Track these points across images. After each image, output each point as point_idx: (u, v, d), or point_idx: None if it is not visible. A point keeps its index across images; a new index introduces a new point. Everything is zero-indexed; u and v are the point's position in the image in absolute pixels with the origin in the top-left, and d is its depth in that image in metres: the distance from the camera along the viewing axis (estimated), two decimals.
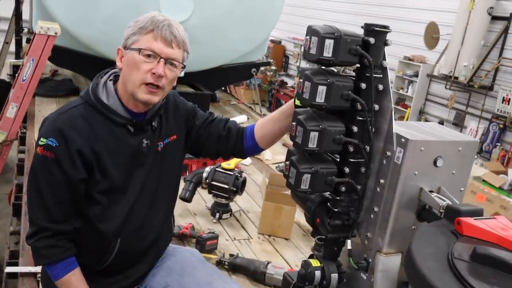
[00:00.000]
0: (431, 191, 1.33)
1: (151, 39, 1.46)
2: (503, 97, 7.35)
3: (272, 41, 12.71)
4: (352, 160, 1.37)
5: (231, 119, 1.81)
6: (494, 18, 7.53)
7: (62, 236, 1.52)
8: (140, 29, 1.47)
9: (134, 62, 1.46)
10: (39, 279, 2.08)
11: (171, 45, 1.47)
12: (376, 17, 9.09)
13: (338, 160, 1.42)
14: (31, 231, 1.52)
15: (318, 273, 1.41)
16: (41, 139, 1.46)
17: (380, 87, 1.33)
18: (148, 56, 1.46)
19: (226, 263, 2.31)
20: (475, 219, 1.20)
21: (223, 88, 6.77)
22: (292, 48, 13.01)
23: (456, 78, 7.85)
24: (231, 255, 2.38)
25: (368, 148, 1.35)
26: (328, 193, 1.45)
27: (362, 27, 1.33)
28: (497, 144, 7.56)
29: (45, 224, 1.49)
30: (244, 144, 1.73)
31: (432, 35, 8.09)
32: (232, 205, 2.91)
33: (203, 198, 3.03)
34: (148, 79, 1.46)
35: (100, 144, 1.49)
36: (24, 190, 3.01)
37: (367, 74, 1.31)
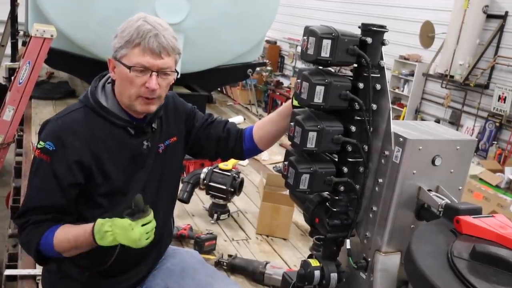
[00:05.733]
0: (429, 190, 1.33)
1: (139, 54, 1.42)
2: (499, 96, 7.37)
3: (267, 41, 12.72)
4: (350, 159, 1.37)
5: (229, 121, 1.81)
6: (489, 17, 7.57)
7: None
8: (127, 42, 1.43)
9: (127, 77, 1.45)
10: (38, 281, 2.08)
11: (161, 56, 1.44)
12: (371, 16, 9.12)
13: (336, 160, 1.42)
14: (18, 229, 1.53)
15: (317, 273, 1.41)
16: (40, 142, 1.47)
17: (378, 86, 1.34)
18: (140, 71, 1.44)
19: (225, 263, 2.31)
20: (473, 217, 1.20)
21: (219, 89, 6.77)
22: (287, 48, 13.02)
23: (452, 76, 7.88)
24: (229, 255, 2.38)
25: (366, 147, 1.36)
26: (327, 193, 1.45)
27: (359, 27, 1.34)
28: (493, 142, 7.58)
29: (28, 217, 1.48)
30: (243, 146, 1.73)
31: (427, 34, 8.12)
32: (230, 206, 2.91)
33: (201, 199, 3.03)
34: (143, 93, 1.45)
35: (100, 147, 1.49)
36: (22, 193, 3.00)
37: (365, 74, 1.31)
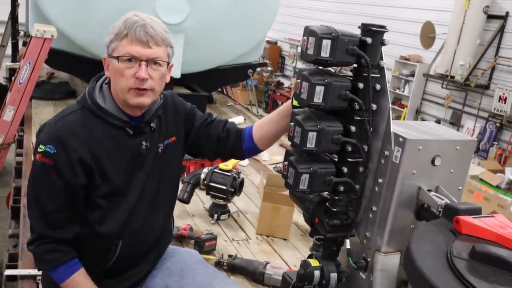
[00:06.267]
0: (429, 190, 1.33)
1: (127, 44, 1.43)
2: (500, 96, 7.37)
3: (268, 42, 12.72)
4: (350, 159, 1.37)
5: (229, 120, 1.81)
6: (490, 17, 7.57)
7: (62, 242, 1.52)
8: (116, 35, 1.45)
9: (118, 70, 1.45)
10: (38, 281, 2.08)
11: (149, 45, 1.44)
12: (372, 17, 9.11)
13: (336, 160, 1.42)
14: (31, 238, 1.53)
15: (317, 273, 1.42)
16: (40, 146, 1.46)
17: (378, 86, 1.34)
18: (129, 60, 1.44)
19: (225, 264, 2.31)
20: (473, 217, 1.20)
21: (219, 89, 6.77)
22: (288, 48, 13.02)
23: (453, 77, 7.87)
24: (229, 256, 2.38)
25: (366, 147, 1.36)
26: (327, 193, 1.45)
27: (359, 27, 1.34)
28: (494, 143, 7.58)
29: (46, 231, 1.49)
30: (242, 145, 1.73)
31: (428, 35, 8.12)
32: (230, 206, 2.91)
33: (201, 199, 3.03)
34: (133, 84, 1.45)
35: (99, 148, 1.49)
36: (23, 193, 3.00)
37: (365, 74, 1.32)
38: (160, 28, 1.48)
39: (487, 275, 1.03)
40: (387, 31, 1.32)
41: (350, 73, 1.39)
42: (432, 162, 1.33)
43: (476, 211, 1.23)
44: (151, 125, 1.59)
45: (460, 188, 1.40)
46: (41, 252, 1.52)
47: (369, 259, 1.40)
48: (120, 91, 1.48)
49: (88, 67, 4.36)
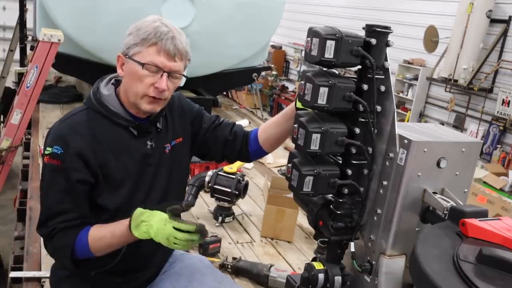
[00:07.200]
0: (434, 193, 1.32)
1: (154, 53, 1.44)
2: (503, 99, 7.37)
3: (273, 46, 12.76)
4: (354, 162, 1.36)
5: (236, 123, 1.81)
6: (493, 21, 7.56)
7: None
8: (143, 40, 1.44)
9: (137, 75, 1.45)
10: (43, 283, 2.08)
11: (174, 58, 1.46)
12: (376, 21, 9.05)
13: (340, 162, 1.42)
14: (45, 237, 1.51)
15: (321, 276, 1.40)
16: (47, 148, 1.47)
17: (382, 88, 1.32)
18: (152, 70, 1.45)
19: (229, 266, 2.31)
20: (480, 220, 1.19)
21: (224, 93, 6.79)
22: (292, 53, 13.04)
23: (456, 81, 7.86)
24: (234, 258, 2.38)
25: (370, 149, 1.34)
26: (331, 195, 1.45)
27: (363, 28, 1.33)
28: (497, 146, 7.56)
29: (54, 224, 1.48)
30: (249, 148, 1.73)
31: (431, 39, 8.11)
32: (235, 209, 2.92)
33: (206, 202, 3.04)
34: (151, 92, 1.46)
35: (104, 148, 1.49)
36: (29, 196, 3.01)
37: (369, 75, 1.30)
38: (184, 41, 1.49)
39: (494, 279, 1.02)
40: (391, 32, 1.31)
41: (354, 75, 1.38)
42: (438, 164, 1.32)
43: (482, 214, 1.22)
44: (157, 125, 1.59)
45: (466, 190, 1.39)
46: (56, 242, 1.48)
47: (373, 262, 1.39)
48: (133, 94, 1.49)
49: (94, 71, 4.40)
